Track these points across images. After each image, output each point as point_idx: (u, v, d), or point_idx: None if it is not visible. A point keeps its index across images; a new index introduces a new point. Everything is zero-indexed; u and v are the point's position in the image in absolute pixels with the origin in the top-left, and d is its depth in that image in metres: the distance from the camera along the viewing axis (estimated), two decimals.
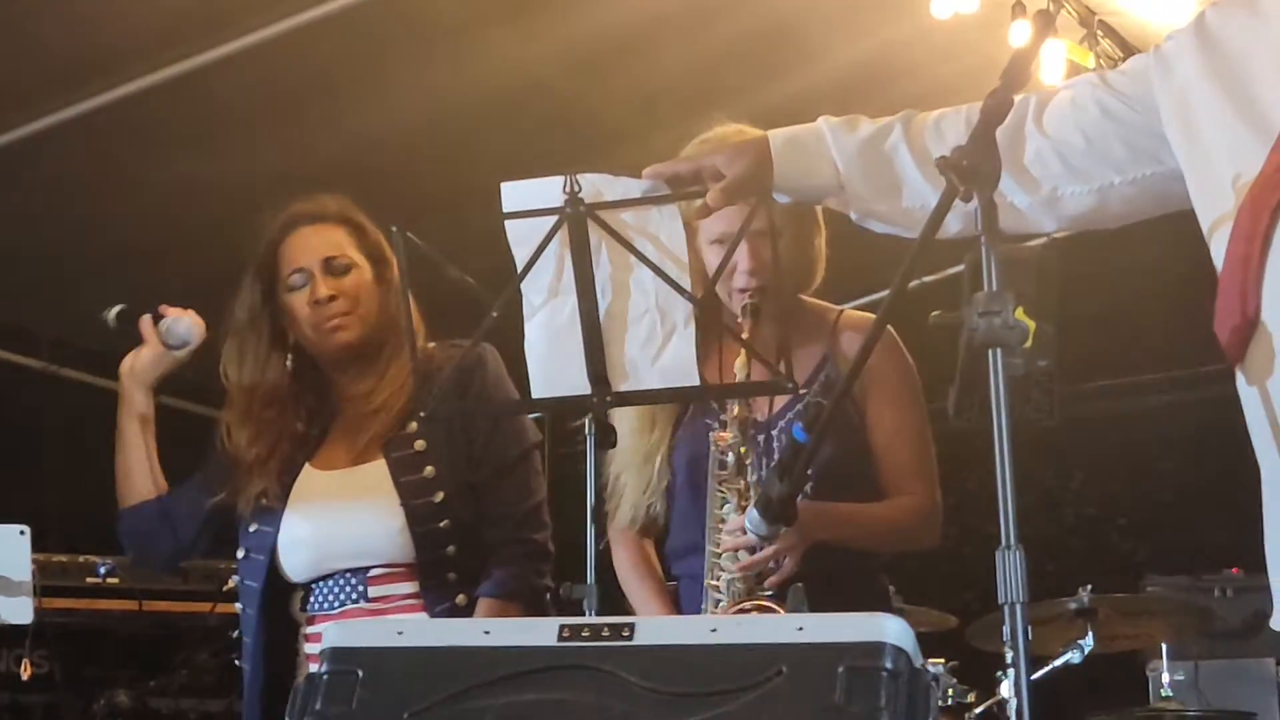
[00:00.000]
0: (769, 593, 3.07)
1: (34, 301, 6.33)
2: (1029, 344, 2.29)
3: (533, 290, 2.90)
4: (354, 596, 3.28)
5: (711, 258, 3.27)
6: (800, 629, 2.08)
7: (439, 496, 3.28)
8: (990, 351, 2.24)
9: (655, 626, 2.15)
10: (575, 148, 5.10)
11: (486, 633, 2.19)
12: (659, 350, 2.85)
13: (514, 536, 3.35)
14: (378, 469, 3.33)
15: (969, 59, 5.28)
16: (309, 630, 3.35)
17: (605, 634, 2.13)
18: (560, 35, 5.30)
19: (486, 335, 3.06)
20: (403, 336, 3.28)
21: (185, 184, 5.49)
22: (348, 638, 2.23)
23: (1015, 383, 2.26)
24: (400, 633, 2.23)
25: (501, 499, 3.35)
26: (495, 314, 3.04)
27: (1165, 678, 4.87)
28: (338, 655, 2.21)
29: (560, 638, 2.15)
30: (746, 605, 3.05)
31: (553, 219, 2.81)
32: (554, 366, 2.90)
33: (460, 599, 3.23)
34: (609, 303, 2.85)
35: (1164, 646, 5.03)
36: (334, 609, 3.29)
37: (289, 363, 3.44)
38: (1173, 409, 7.52)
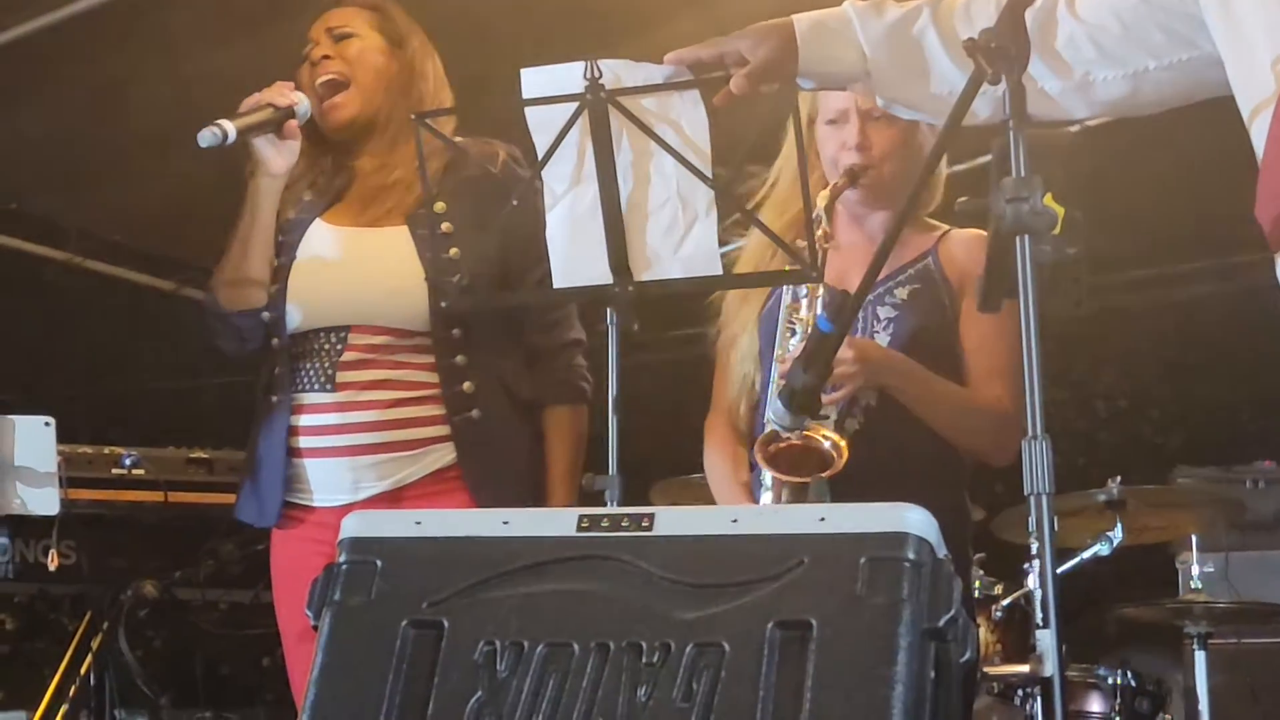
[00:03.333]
0: (825, 417, 3.09)
1: (60, 194, 6.30)
2: (1058, 231, 2.24)
3: (554, 179, 2.87)
4: (322, 381, 3.30)
5: (827, 136, 3.28)
6: (822, 519, 2.06)
7: (463, 279, 3.23)
8: (1018, 239, 2.20)
9: (675, 517, 2.13)
10: (598, 33, 5.02)
11: (505, 523, 2.18)
12: (681, 239, 2.82)
13: (567, 339, 3.41)
14: (399, 235, 3.31)
15: None
16: (294, 421, 3.34)
17: (625, 524, 2.12)
18: None
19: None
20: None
21: (208, 75, 5.44)
22: (366, 528, 2.23)
23: (1043, 271, 2.23)
24: (419, 523, 2.22)
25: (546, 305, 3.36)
26: (515, 202, 3.02)
27: (1195, 569, 4.84)
28: (356, 545, 2.20)
29: (580, 528, 2.14)
30: (785, 436, 3.05)
31: (573, 106, 2.78)
32: (575, 256, 2.88)
33: (467, 385, 3.26)
34: (630, 191, 2.81)
35: (1194, 538, 5.00)
36: (300, 390, 3.32)
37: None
38: (1206, 300, 7.45)
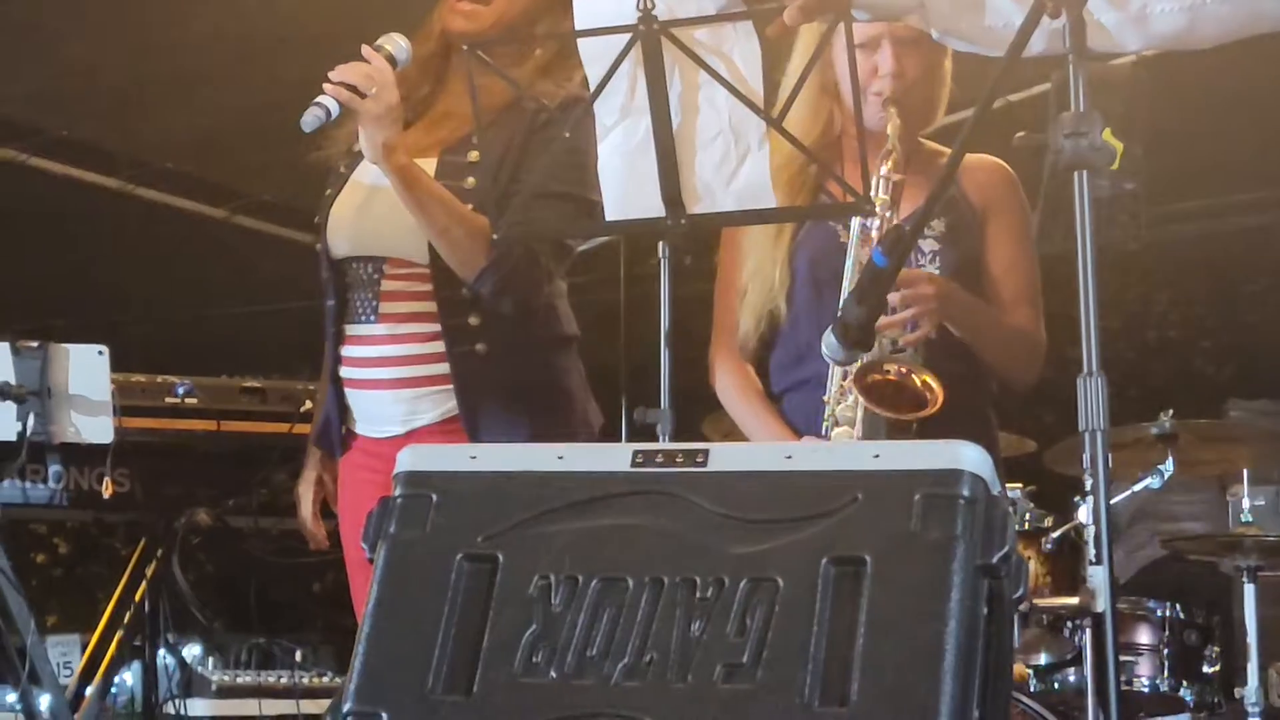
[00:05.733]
0: (903, 352, 3.10)
1: (112, 121, 6.32)
2: (1116, 166, 2.23)
3: (604, 111, 2.85)
4: (367, 312, 3.30)
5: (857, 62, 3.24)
6: (877, 456, 2.06)
7: (469, 207, 3.21)
8: (1076, 174, 2.19)
9: (729, 453, 2.13)
10: None
11: (560, 458, 2.18)
12: (733, 172, 2.80)
13: None
14: (427, 165, 3.26)
15: None
16: (342, 352, 3.36)
17: (679, 460, 2.12)
18: None
19: None
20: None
21: (261, 2, 5.44)
22: (421, 461, 2.23)
23: (1101, 206, 2.22)
24: (474, 457, 2.23)
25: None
26: (567, 134, 3.00)
27: (1246, 503, 4.81)
28: (411, 479, 2.21)
29: (634, 463, 2.14)
30: (885, 369, 3.06)
31: (625, 37, 2.76)
32: (628, 189, 2.87)
33: (480, 347, 3.23)
34: (682, 124, 2.80)
35: (1245, 471, 4.97)
36: (351, 322, 3.32)
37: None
38: (1261, 231, 7.38)
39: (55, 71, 5.74)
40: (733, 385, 3.40)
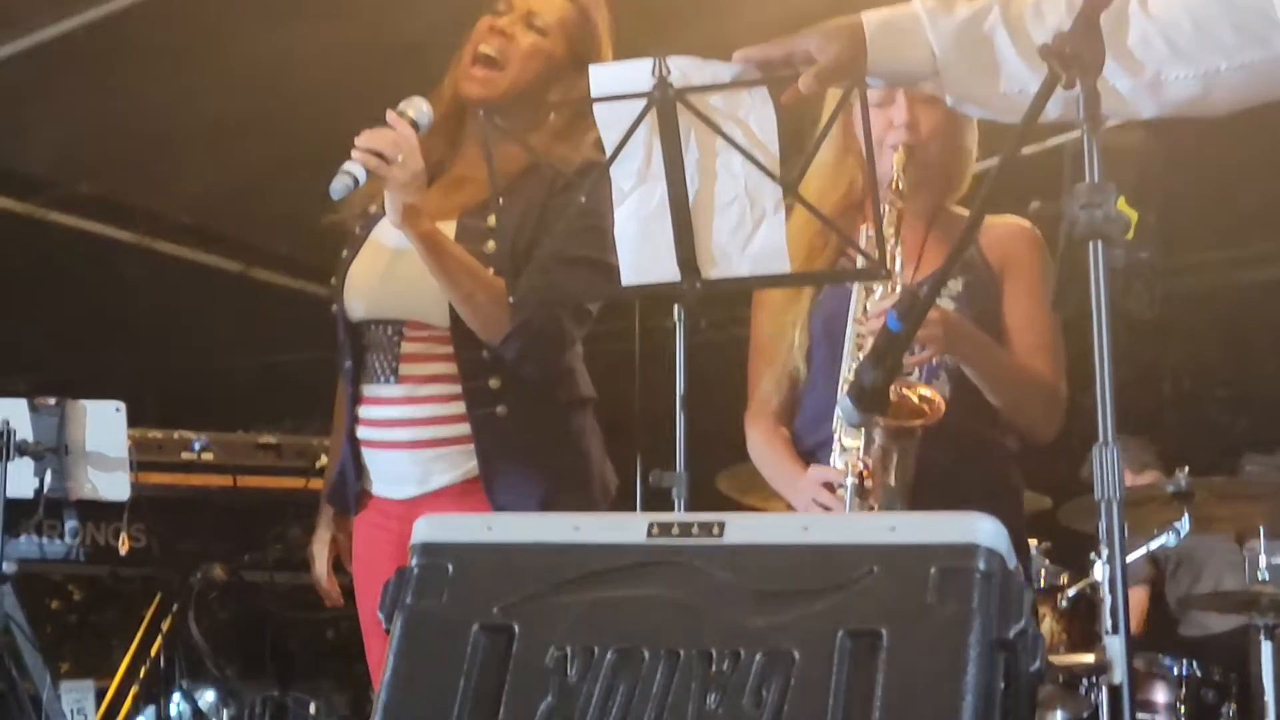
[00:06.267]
0: (909, 374, 3.14)
1: (128, 175, 6.35)
2: (1130, 235, 2.24)
3: (621, 176, 2.86)
4: (386, 373, 3.30)
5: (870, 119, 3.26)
6: (892, 529, 2.06)
7: (490, 271, 3.22)
8: (1091, 244, 2.19)
9: (745, 524, 2.13)
10: (661, 24, 5.01)
11: (576, 529, 2.18)
12: (749, 236, 2.80)
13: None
14: (445, 229, 3.26)
15: None
16: (359, 412, 3.36)
17: (695, 531, 2.12)
18: None
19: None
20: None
21: (277, 56, 5.47)
22: (437, 532, 2.24)
23: (1116, 275, 2.22)
24: (490, 528, 2.23)
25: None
26: (583, 198, 3.01)
27: (1263, 560, 4.81)
28: (427, 550, 2.21)
29: (650, 534, 2.14)
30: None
31: (641, 103, 2.77)
32: (644, 253, 2.87)
33: (501, 410, 3.23)
34: (698, 189, 2.80)
35: (1261, 529, 4.96)
36: (369, 383, 3.32)
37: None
38: (1274, 283, 7.40)
39: (73, 127, 5.78)
40: (762, 443, 3.42)
